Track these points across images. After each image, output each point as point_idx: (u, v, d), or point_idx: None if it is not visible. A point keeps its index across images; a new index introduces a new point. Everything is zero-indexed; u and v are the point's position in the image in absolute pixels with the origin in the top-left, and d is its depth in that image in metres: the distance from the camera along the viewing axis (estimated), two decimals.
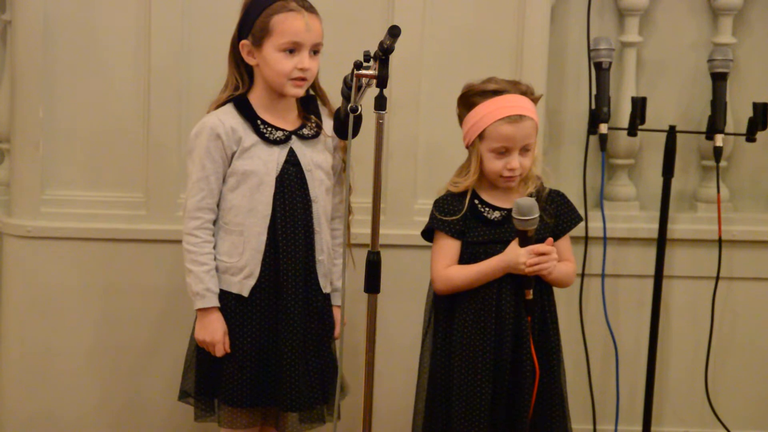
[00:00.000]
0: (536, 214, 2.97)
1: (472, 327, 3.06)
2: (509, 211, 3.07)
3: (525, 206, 2.96)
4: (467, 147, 3.10)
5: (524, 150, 3.05)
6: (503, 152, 3.04)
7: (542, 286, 3.10)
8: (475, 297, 3.06)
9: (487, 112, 3.03)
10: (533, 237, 3.01)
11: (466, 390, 3.05)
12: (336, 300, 3.17)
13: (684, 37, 3.74)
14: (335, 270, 3.16)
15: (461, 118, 3.11)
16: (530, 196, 3.09)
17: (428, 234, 3.15)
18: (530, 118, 3.04)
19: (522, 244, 3.02)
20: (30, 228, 3.55)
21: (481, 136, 3.05)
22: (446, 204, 3.10)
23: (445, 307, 3.11)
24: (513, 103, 3.04)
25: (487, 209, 3.09)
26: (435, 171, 3.51)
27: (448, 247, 3.09)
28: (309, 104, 3.14)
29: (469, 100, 3.08)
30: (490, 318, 3.05)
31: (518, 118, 3.03)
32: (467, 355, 3.05)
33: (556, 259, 3.04)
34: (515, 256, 3.02)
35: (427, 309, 3.19)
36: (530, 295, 3.03)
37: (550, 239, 3.04)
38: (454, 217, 3.08)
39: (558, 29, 3.67)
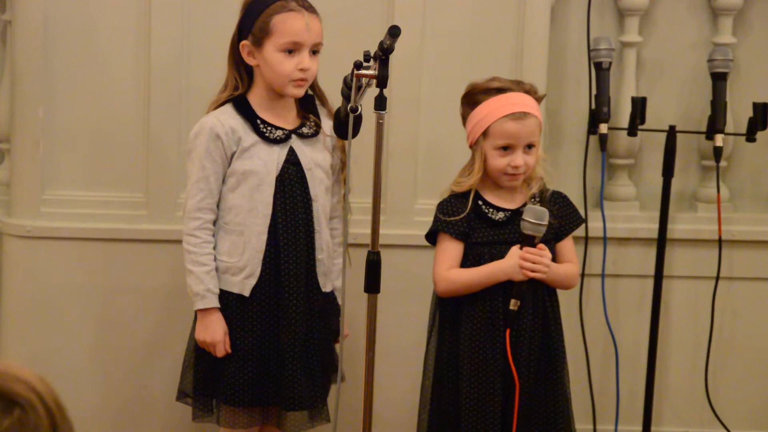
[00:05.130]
0: (547, 222, 2.97)
1: (480, 334, 3.04)
2: (513, 211, 3.07)
3: (540, 211, 2.97)
4: (471, 146, 3.10)
5: (528, 148, 3.05)
6: (507, 150, 3.04)
7: (546, 288, 3.10)
8: (482, 304, 3.05)
9: (491, 109, 3.03)
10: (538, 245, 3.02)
11: (477, 399, 3.04)
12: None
13: (684, 37, 3.74)
14: (335, 270, 3.16)
15: (465, 117, 3.11)
16: (533, 196, 3.10)
17: (432, 237, 3.14)
18: (534, 116, 3.04)
19: None
20: (30, 228, 3.55)
21: (485, 134, 3.04)
22: (450, 205, 3.10)
23: (451, 311, 3.10)
24: (517, 101, 3.04)
25: (491, 210, 3.09)
26: (435, 171, 3.51)
27: (451, 249, 3.08)
28: (307, 104, 3.15)
29: (473, 98, 3.08)
30: (498, 326, 3.04)
31: (522, 116, 3.03)
32: (476, 363, 3.04)
33: (548, 262, 3.02)
34: (516, 261, 3.01)
35: (431, 310, 3.18)
36: (515, 306, 3.01)
37: (541, 245, 3.03)
38: (457, 217, 3.07)
39: (558, 29, 3.67)
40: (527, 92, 3.08)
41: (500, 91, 3.06)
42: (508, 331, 3.01)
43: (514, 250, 3.02)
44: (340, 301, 3.13)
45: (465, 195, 3.10)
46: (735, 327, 3.82)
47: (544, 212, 2.98)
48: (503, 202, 3.10)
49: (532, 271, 3.00)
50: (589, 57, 3.65)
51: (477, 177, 3.07)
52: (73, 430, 1.45)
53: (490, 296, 3.05)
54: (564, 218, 3.15)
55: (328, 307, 3.16)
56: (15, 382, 1.39)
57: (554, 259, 3.10)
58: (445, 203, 3.11)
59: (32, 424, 1.37)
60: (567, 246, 3.16)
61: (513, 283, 3.02)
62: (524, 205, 3.09)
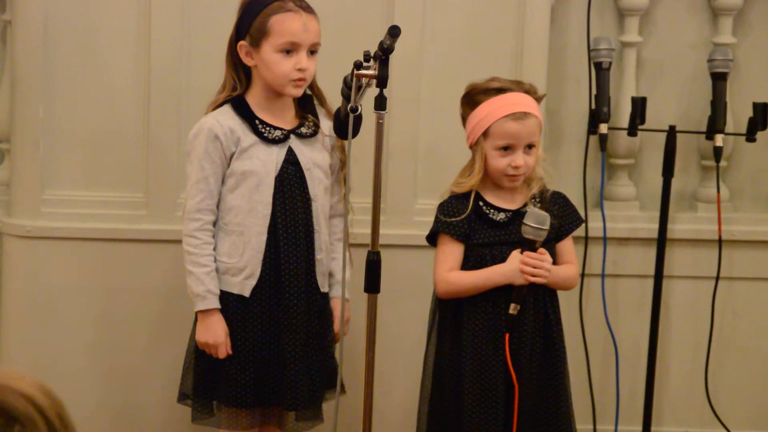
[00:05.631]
0: (549, 226, 2.98)
1: (482, 337, 3.04)
2: (514, 212, 3.07)
3: (541, 215, 2.97)
4: (471, 147, 3.10)
5: (528, 148, 3.05)
6: (507, 150, 3.04)
7: (546, 290, 3.09)
8: (484, 306, 3.04)
9: (491, 109, 3.03)
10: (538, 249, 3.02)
11: (479, 401, 3.03)
12: (335, 292, 3.16)
13: (684, 37, 3.74)
14: (333, 264, 3.16)
15: (464, 118, 3.11)
16: (534, 196, 3.10)
17: (433, 238, 3.14)
18: (535, 116, 3.04)
19: None
20: (30, 228, 3.55)
21: (485, 134, 3.04)
22: (450, 206, 3.09)
23: (451, 312, 3.10)
24: (517, 101, 3.04)
25: (492, 211, 3.08)
26: (435, 171, 3.51)
27: (451, 250, 3.08)
28: (306, 104, 3.14)
29: (473, 98, 3.08)
30: (500, 328, 3.03)
31: (523, 116, 3.02)
32: (478, 366, 3.03)
33: (549, 266, 3.03)
34: (516, 266, 3.01)
35: (431, 311, 3.18)
36: (515, 310, 3.01)
37: (542, 249, 3.03)
38: (458, 218, 3.07)
39: (558, 29, 3.67)
40: (527, 92, 3.08)
41: (500, 91, 3.06)
42: (507, 336, 3.01)
43: (515, 255, 3.02)
44: (340, 302, 3.13)
45: (465, 196, 3.09)
46: (735, 327, 3.82)
47: (546, 216, 2.98)
48: (504, 202, 3.10)
49: (533, 275, 3.00)
50: (589, 57, 3.65)
51: (478, 177, 3.07)
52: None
53: (492, 299, 3.04)
54: (564, 218, 3.15)
55: (326, 308, 3.16)
56: (15, 396, 1.38)
57: (554, 260, 3.10)
58: (446, 204, 3.11)
59: None
60: (567, 246, 3.16)
61: (514, 287, 3.02)
62: (525, 205, 3.09)
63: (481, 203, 3.09)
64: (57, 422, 1.39)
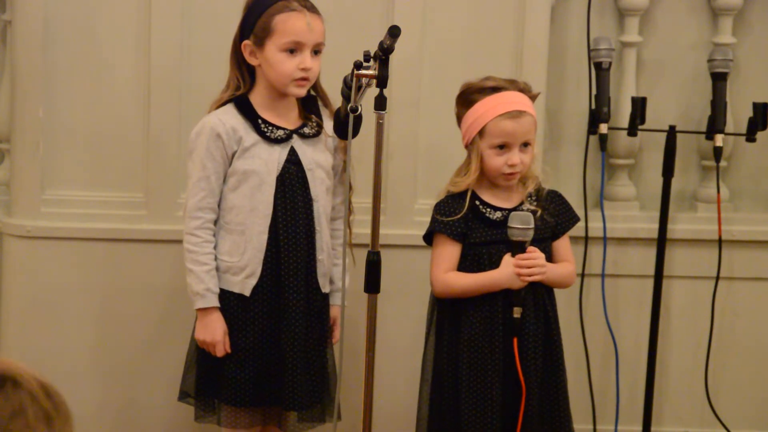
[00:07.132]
0: (533, 224, 2.99)
1: (480, 340, 3.04)
2: (510, 210, 3.07)
3: (525, 216, 2.98)
4: (466, 146, 3.10)
5: (524, 146, 3.05)
6: (503, 148, 3.04)
7: (544, 288, 3.10)
8: (482, 309, 3.05)
9: (487, 108, 3.04)
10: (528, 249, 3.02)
11: (476, 404, 3.04)
12: (335, 300, 3.17)
13: (684, 37, 3.74)
14: (335, 270, 3.16)
15: (460, 117, 3.12)
16: (530, 195, 3.10)
17: (429, 238, 3.14)
18: (530, 114, 3.05)
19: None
20: (30, 228, 3.55)
21: (481, 133, 3.05)
22: (447, 206, 3.10)
23: (449, 311, 3.10)
24: (512, 99, 3.04)
25: (488, 210, 3.09)
26: (435, 171, 3.51)
27: (448, 251, 3.08)
28: (310, 104, 3.14)
29: (468, 97, 3.08)
30: (497, 331, 3.04)
31: (518, 114, 3.03)
32: (475, 369, 3.04)
33: (543, 262, 3.03)
34: (511, 270, 3.02)
35: (429, 311, 3.18)
36: (518, 313, 3.01)
37: (531, 248, 3.03)
38: (455, 217, 3.07)
39: (558, 29, 3.67)
40: (522, 91, 3.09)
41: (495, 90, 3.06)
42: (515, 341, 3.01)
43: (507, 259, 3.03)
44: (338, 301, 3.14)
45: (462, 195, 3.10)
46: (735, 327, 3.82)
47: (529, 216, 3.00)
48: (500, 201, 3.10)
49: (530, 275, 3.00)
50: (589, 57, 3.65)
51: (474, 176, 3.07)
52: (64, 404, 1.47)
53: (489, 302, 3.05)
54: (560, 217, 3.16)
55: (325, 309, 3.16)
56: None
57: (551, 258, 3.11)
58: (442, 204, 3.11)
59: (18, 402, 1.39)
60: (564, 244, 3.17)
61: (513, 291, 3.02)
62: (521, 203, 3.09)
63: (477, 202, 3.09)
64: (35, 385, 1.42)
